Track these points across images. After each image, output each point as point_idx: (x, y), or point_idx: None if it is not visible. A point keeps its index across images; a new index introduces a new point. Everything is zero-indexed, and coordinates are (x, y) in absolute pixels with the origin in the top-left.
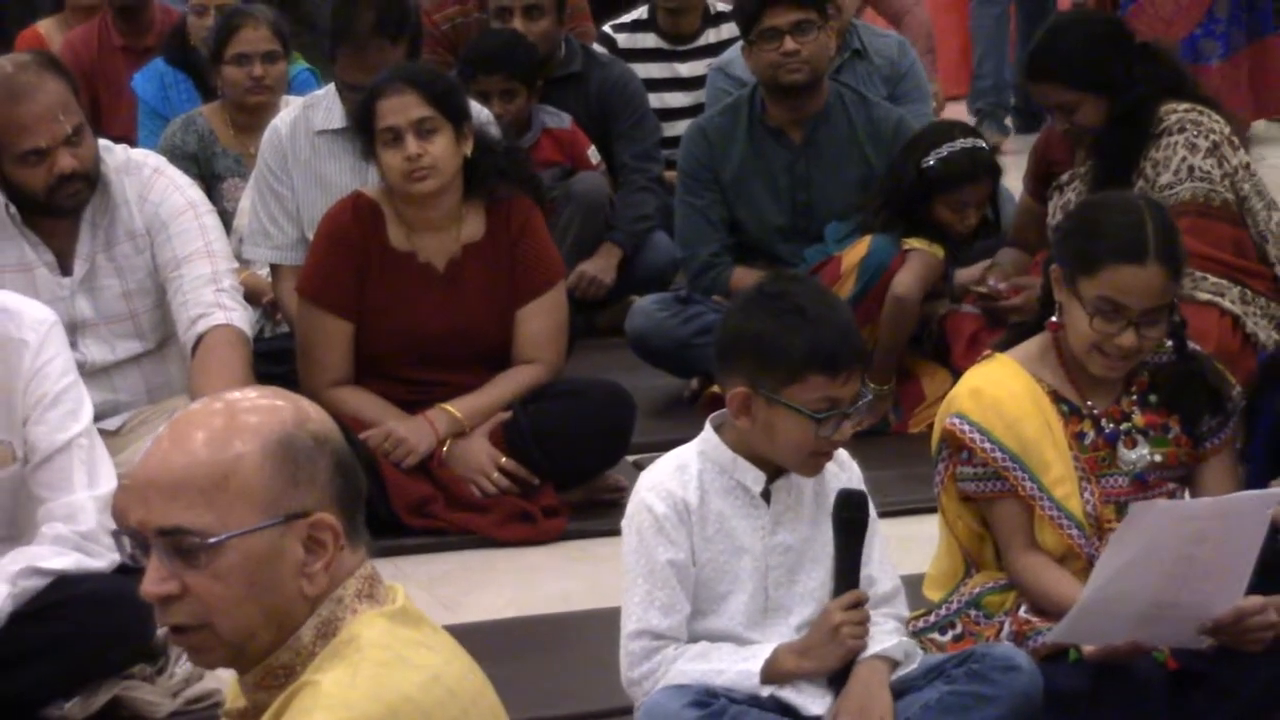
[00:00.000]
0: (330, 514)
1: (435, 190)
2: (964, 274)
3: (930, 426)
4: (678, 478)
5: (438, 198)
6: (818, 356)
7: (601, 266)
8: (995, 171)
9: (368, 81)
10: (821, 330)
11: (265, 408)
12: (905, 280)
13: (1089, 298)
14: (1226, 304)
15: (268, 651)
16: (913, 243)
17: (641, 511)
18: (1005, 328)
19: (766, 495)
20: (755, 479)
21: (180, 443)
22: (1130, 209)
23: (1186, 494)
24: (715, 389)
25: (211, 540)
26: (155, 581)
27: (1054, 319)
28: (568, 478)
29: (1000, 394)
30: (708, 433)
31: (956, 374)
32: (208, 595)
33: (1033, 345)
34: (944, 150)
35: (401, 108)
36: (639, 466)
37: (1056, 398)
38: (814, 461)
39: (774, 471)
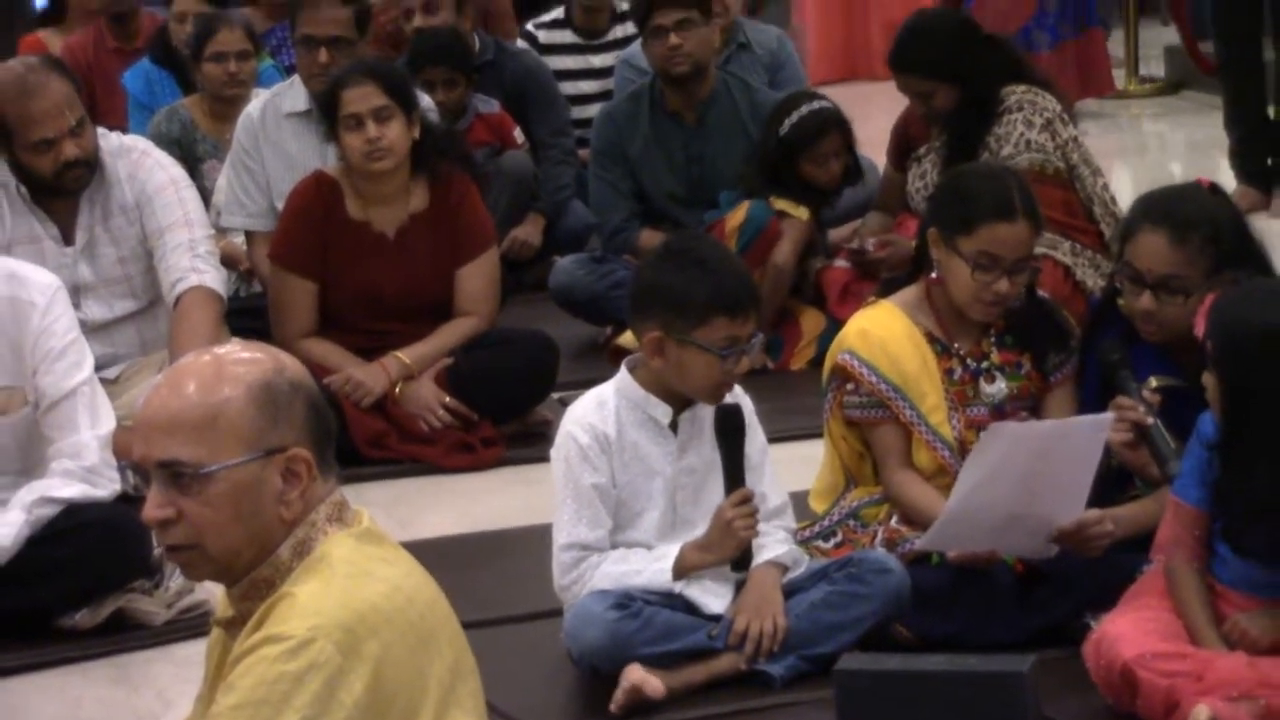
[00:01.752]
0: (305, 449)
1: (390, 169)
2: (836, 234)
3: (809, 363)
4: (598, 412)
5: (391, 175)
6: (721, 301)
7: (529, 231)
8: (842, 124)
9: (320, 34)
10: (722, 279)
11: (248, 359)
12: (783, 250)
13: (969, 253)
14: (1059, 256)
15: (250, 568)
16: (781, 204)
17: (568, 442)
18: (874, 279)
19: (674, 426)
20: (664, 412)
21: (176, 389)
22: (996, 176)
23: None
24: (620, 340)
25: (203, 471)
26: (154, 507)
27: (933, 274)
28: (502, 413)
29: (884, 334)
30: (623, 373)
31: (831, 318)
32: (199, 519)
33: (910, 294)
34: (794, 116)
35: (363, 97)
36: (563, 403)
37: (930, 338)
38: (718, 392)
39: (680, 405)
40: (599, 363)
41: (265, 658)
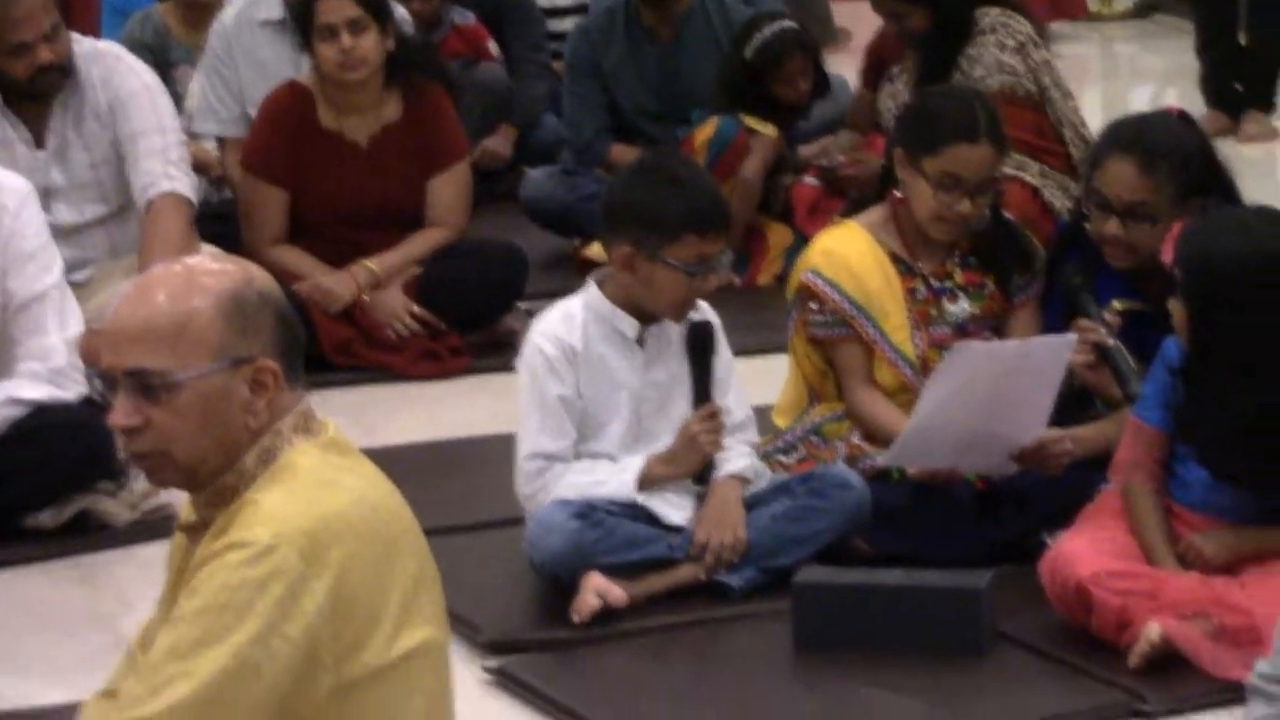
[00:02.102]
0: (272, 359)
1: (364, 79)
2: (806, 150)
3: (776, 278)
4: (565, 325)
5: (364, 85)
6: (692, 219)
7: (500, 143)
8: (805, 45)
9: None
10: (694, 197)
11: (218, 270)
12: (751, 164)
13: (932, 173)
14: (1028, 177)
15: (216, 475)
16: (750, 121)
17: (535, 354)
18: (843, 196)
19: (641, 340)
20: (631, 326)
21: (145, 298)
22: (962, 98)
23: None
24: (586, 252)
25: (171, 380)
26: (122, 415)
27: (898, 194)
28: (469, 323)
29: (849, 253)
30: (591, 287)
31: (799, 234)
32: (166, 427)
33: (875, 214)
34: (756, 40)
35: (338, 8)
36: (530, 313)
37: (894, 258)
38: (684, 309)
39: (647, 319)
40: (567, 274)
41: (228, 564)
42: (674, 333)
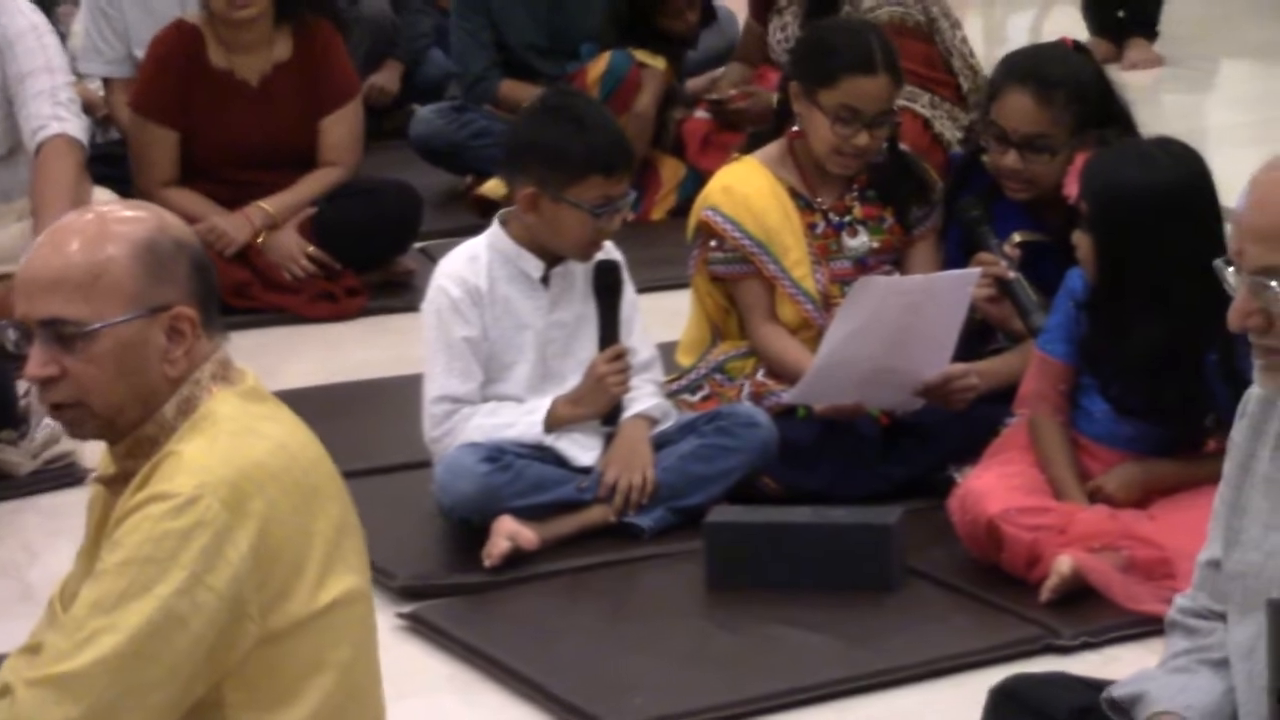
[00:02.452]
0: (189, 307)
1: (254, 16)
2: (695, 83)
3: (669, 213)
4: (470, 266)
5: (254, 23)
6: (596, 160)
7: (387, 79)
8: None
9: None
10: (598, 137)
11: (131, 217)
12: (643, 99)
13: (829, 106)
14: (918, 108)
15: (135, 426)
16: (641, 55)
17: (440, 295)
18: (734, 130)
19: (545, 280)
20: (536, 267)
21: (59, 247)
22: (857, 30)
23: (897, 274)
24: (481, 190)
25: (87, 329)
26: (38, 365)
27: (795, 128)
28: (365, 263)
29: (748, 190)
30: (495, 227)
31: (691, 168)
32: (83, 377)
33: (773, 149)
34: None
35: None
36: (425, 253)
37: (793, 194)
38: (590, 250)
39: (551, 260)
40: (461, 212)
41: (151, 515)
42: (579, 272)
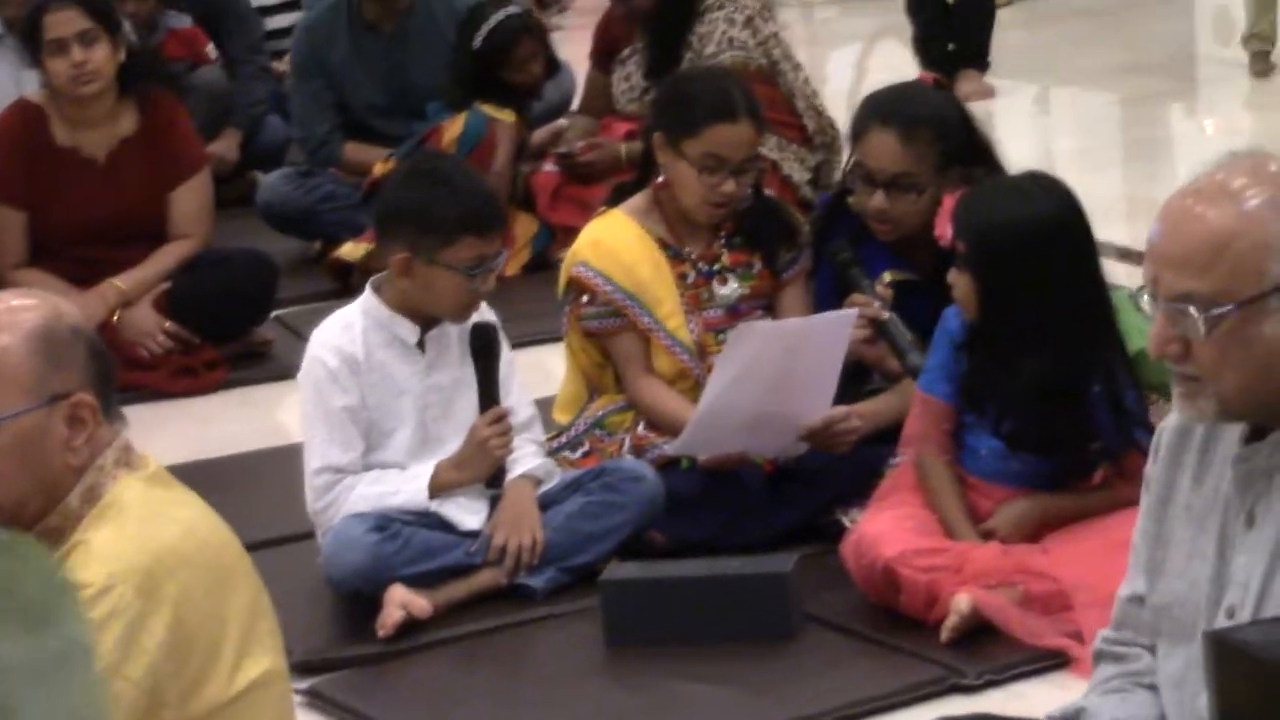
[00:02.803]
0: (88, 394)
1: (98, 92)
2: (538, 136)
3: (524, 268)
4: (345, 335)
5: (99, 99)
6: (469, 221)
7: (226, 147)
8: (533, 29)
9: None
10: (469, 198)
11: (24, 305)
12: (501, 157)
13: (694, 156)
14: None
15: (39, 517)
16: (487, 109)
17: (316, 366)
18: (583, 182)
19: (421, 344)
20: (411, 331)
21: None
22: (717, 78)
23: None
24: (340, 253)
25: None
26: None
27: (659, 179)
28: (223, 335)
29: (616, 244)
30: (368, 294)
31: (543, 222)
32: None
33: (638, 201)
34: (484, 29)
35: (66, 21)
36: (282, 321)
37: (662, 244)
38: (466, 311)
39: (426, 323)
40: (315, 278)
41: None
42: (454, 335)
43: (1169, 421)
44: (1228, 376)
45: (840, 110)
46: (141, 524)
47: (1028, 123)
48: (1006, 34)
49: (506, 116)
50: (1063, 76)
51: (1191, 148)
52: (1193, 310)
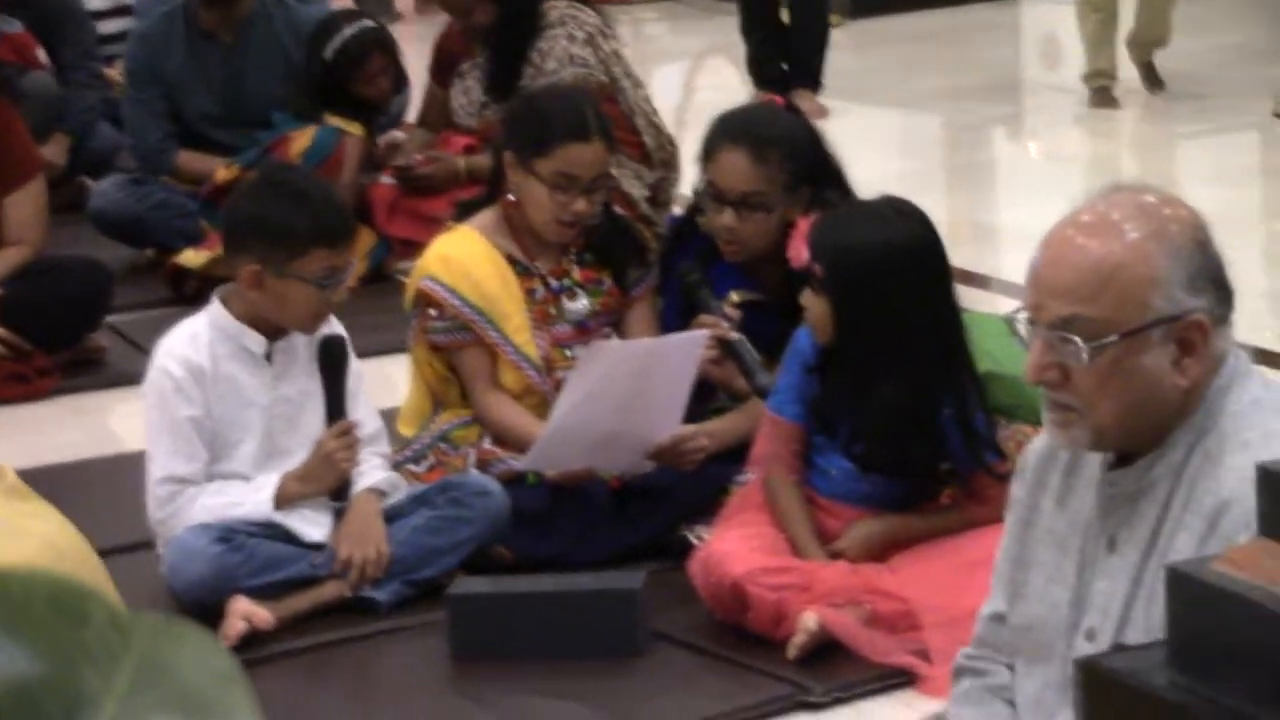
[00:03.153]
0: None
1: None
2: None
3: (360, 280)
4: (191, 345)
5: None
6: (320, 233)
7: (55, 152)
8: (384, 43)
9: None
10: (322, 210)
11: None
12: (349, 170)
13: (546, 174)
14: None
15: None
16: (336, 121)
17: (162, 376)
18: (420, 195)
19: (269, 356)
20: (258, 343)
21: None
22: (569, 96)
23: (615, 337)
24: (178, 260)
25: None
26: None
27: (510, 197)
28: (56, 342)
29: (465, 258)
30: (215, 305)
31: (380, 236)
32: None
33: (487, 217)
34: (336, 41)
35: None
36: (114, 329)
37: (511, 260)
38: (316, 323)
39: (274, 334)
40: (149, 284)
41: None
42: (301, 346)
43: (1035, 444)
44: (1104, 406)
45: (671, 128)
46: None
47: (858, 144)
48: (839, 55)
49: (355, 130)
50: (893, 98)
51: (1017, 172)
52: (1077, 339)
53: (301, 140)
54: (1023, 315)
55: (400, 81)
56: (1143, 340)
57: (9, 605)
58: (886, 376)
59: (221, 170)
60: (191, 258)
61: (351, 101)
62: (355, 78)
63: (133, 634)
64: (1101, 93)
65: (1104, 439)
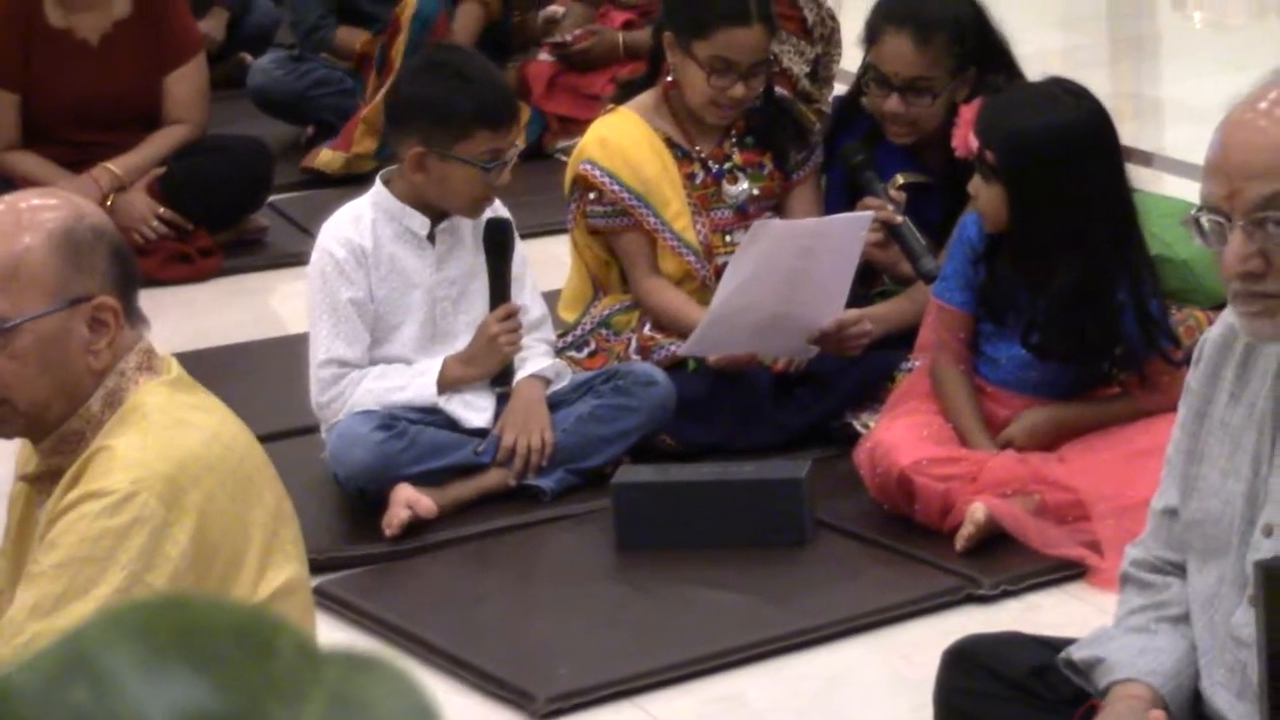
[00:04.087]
0: (110, 297)
1: None
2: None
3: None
4: (354, 226)
5: None
6: (483, 115)
7: (213, 26)
8: None
9: None
10: (484, 91)
11: (44, 205)
12: (460, 38)
13: (704, 58)
14: None
15: (60, 421)
16: None
17: (324, 257)
18: (578, 71)
19: (432, 237)
20: (421, 224)
21: None
22: None
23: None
24: (315, 164)
25: (7, 325)
26: None
27: (670, 78)
28: (218, 222)
29: (624, 142)
30: (378, 186)
31: (537, 112)
32: (5, 373)
33: (647, 99)
34: None
35: None
36: (276, 208)
37: (670, 144)
38: (480, 206)
39: (437, 216)
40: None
41: (87, 514)
42: (466, 228)
43: (1211, 333)
44: None
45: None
46: (165, 430)
47: (1019, 18)
48: None
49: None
50: None
51: (1181, 45)
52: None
53: (409, 5)
54: (1204, 214)
55: None
56: None
57: (192, 637)
58: (1063, 263)
59: (359, 42)
60: (328, 160)
61: None
62: None
63: (322, 667)
64: None
65: None
